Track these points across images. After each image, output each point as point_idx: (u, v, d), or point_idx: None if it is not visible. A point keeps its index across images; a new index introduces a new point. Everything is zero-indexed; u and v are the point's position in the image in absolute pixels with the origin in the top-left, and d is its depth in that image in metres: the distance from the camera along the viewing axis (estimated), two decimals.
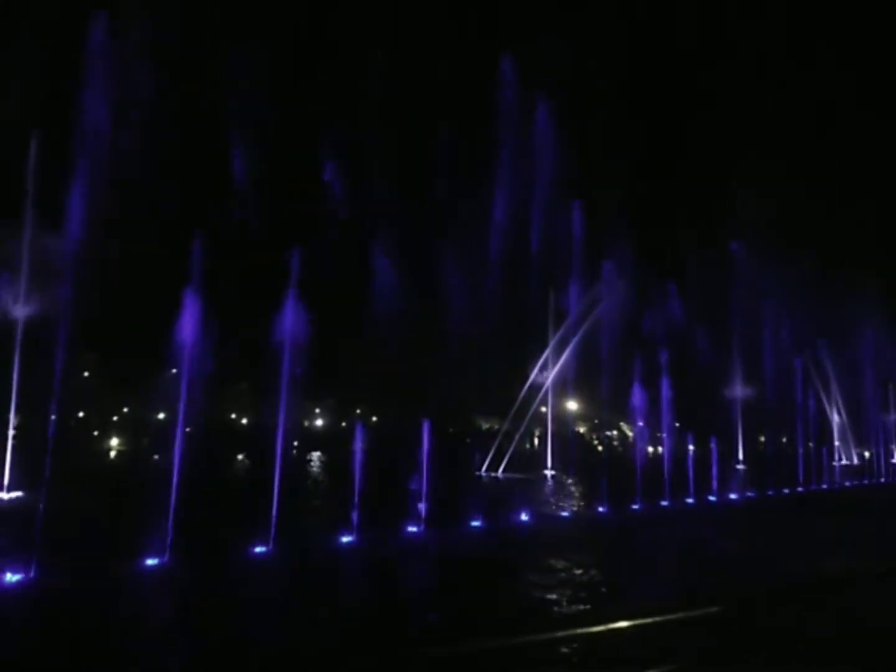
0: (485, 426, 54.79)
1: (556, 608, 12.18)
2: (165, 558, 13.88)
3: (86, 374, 47.33)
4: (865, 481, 45.91)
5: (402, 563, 15.83)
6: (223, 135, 38.50)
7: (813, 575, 15.01)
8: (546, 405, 35.07)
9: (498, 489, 28.09)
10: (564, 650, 10.05)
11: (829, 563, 16.33)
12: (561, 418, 33.71)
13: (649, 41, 68.00)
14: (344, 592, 13.21)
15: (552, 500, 26.30)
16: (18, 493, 24.31)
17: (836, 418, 52.59)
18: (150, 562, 13.70)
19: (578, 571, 14.76)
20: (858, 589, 14.04)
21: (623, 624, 10.95)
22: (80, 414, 51.56)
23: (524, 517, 21.88)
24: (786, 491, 35.42)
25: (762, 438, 40.68)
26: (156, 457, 39.26)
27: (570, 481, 26.99)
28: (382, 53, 44.60)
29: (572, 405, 37.91)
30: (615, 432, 52.99)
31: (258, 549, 15.38)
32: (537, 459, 33.56)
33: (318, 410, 70.00)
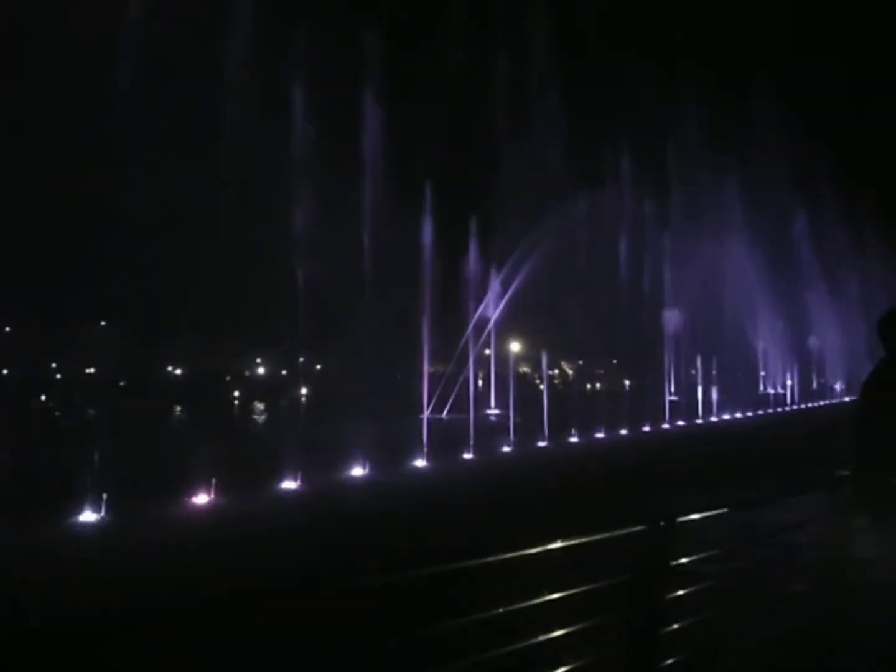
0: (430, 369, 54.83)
1: None
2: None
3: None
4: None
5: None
6: None
7: None
8: (489, 347, 35.91)
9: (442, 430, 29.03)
10: None
11: None
12: (504, 359, 34.55)
13: None
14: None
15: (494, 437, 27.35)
16: None
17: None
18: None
19: None
20: None
21: None
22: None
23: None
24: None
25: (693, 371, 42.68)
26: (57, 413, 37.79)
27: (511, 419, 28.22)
28: None
29: (515, 346, 38.81)
30: (556, 371, 54.29)
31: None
32: (482, 400, 34.57)
33: (259, 360, 69.29)
